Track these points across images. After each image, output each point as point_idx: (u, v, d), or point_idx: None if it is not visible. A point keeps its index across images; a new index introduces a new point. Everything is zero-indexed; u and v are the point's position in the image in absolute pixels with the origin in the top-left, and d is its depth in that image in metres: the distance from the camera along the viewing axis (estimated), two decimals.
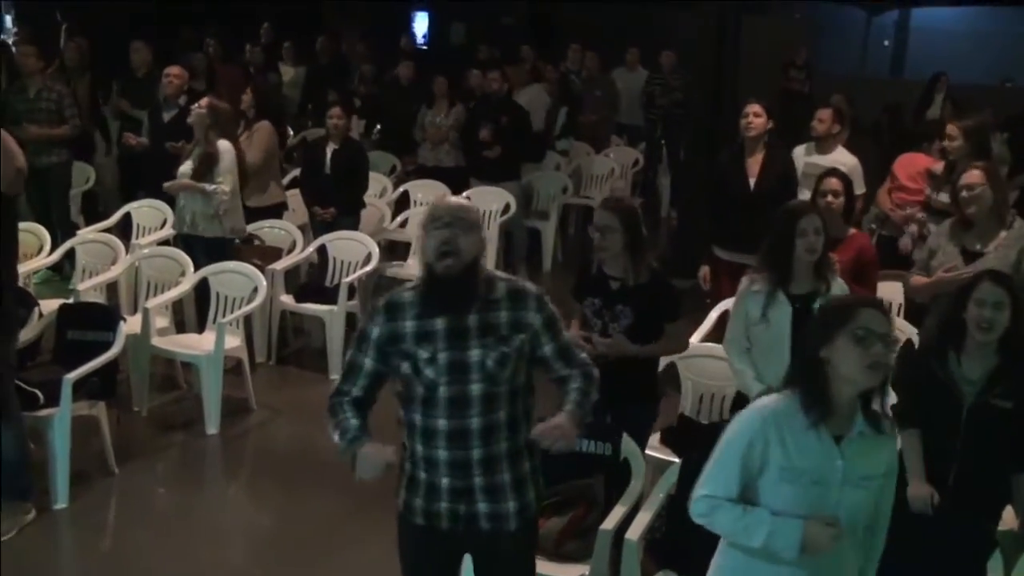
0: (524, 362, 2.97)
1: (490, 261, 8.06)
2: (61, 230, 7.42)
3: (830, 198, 4.93)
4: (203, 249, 6.35)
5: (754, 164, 5.85)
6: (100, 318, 5.19)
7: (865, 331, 2.57)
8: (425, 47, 17.87)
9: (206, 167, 6.27)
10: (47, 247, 6.71)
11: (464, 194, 8.48)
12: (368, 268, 6.84)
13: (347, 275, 6.83)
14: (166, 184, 6.41)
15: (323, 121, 7.73)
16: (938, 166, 6.13)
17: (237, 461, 5.71)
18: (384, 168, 9.21)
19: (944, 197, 5.62)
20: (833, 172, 5.13)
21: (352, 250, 6.97)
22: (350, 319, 6.72)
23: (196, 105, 6.41)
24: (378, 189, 8.39)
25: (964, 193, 4.60)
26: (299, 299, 6.77)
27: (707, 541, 2.86)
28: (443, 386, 2.91)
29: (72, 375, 4.76)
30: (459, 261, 2.86)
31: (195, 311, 6.55)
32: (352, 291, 6.72)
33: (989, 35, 17.21)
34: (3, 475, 4.49)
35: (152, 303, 5.92)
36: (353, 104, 10.05)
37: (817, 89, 12.52)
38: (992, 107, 10.17)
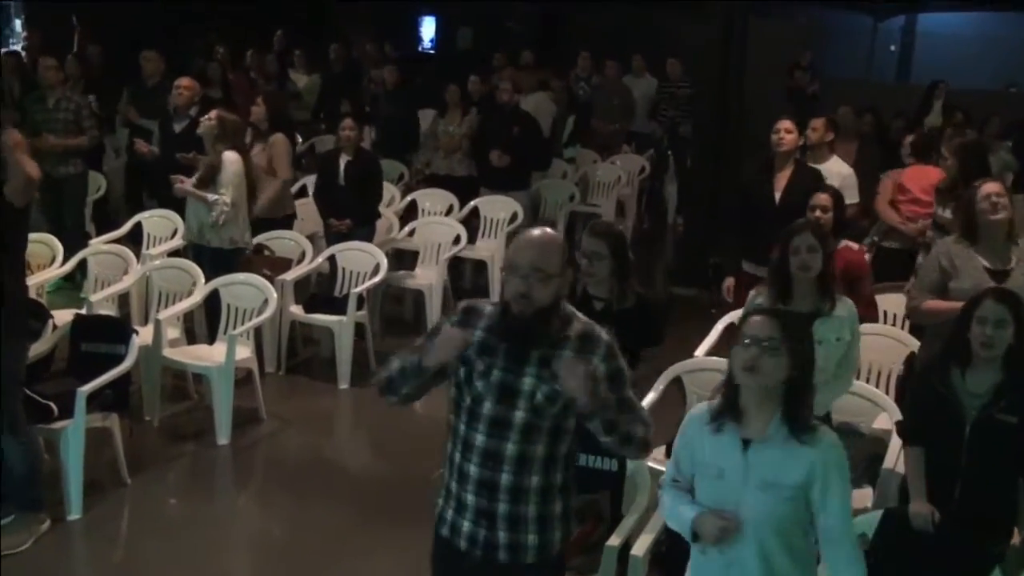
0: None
1: (495, 266, 8.14)
2: (75, 239, 7.47)
3: (819, 213, 5.00)
4: (208, 258, 6.42)
5: (782, 179, 5.88)
6: (113, 331, 5.24)
7: (748, 337, 2.83)
8: (432, 51, 17.97)
9: (209, 177, 6.33)
10: (59, 257, 6.77)
11: (472, 202, 8.59)
12: (377, 279, 6.91)
13: (356, 285, 6.89)
14: (177, 185, 6.44)
15: (335, 129, 7.80)
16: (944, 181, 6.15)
17: (247, 472, 5.77)
18: (392, 176, 9.24)
19: (948, 213, 5.65)
20: (825, 188, 5.24)
21: (361, 260, 7.03)
22: (359, 329, 6.80)
23: (205, 117, 6.47)
24: (386, 198, 8.45)
25: (994, 199, 4.46)
26: (308, 309, 6.82)
27: None
28: (488, 402, 2.91)
29: (86, 388, 4.82)
30: (531, 305, 2.86)
31: (205, 321, 6.62)
32: (361, 301, 6.79)
33: (995, 40, 17.20)
34: (15, 487, 4.56)
35: (164, 315, 5.98)
36: (365, 113, 10.12)
37: (824, 93, 12.60)
38: (997, 112, 10.22)
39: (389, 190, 8.67)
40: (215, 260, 6.40)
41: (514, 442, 2.89)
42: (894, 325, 5.91)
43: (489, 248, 8.38)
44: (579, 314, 2.99)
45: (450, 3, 16.98)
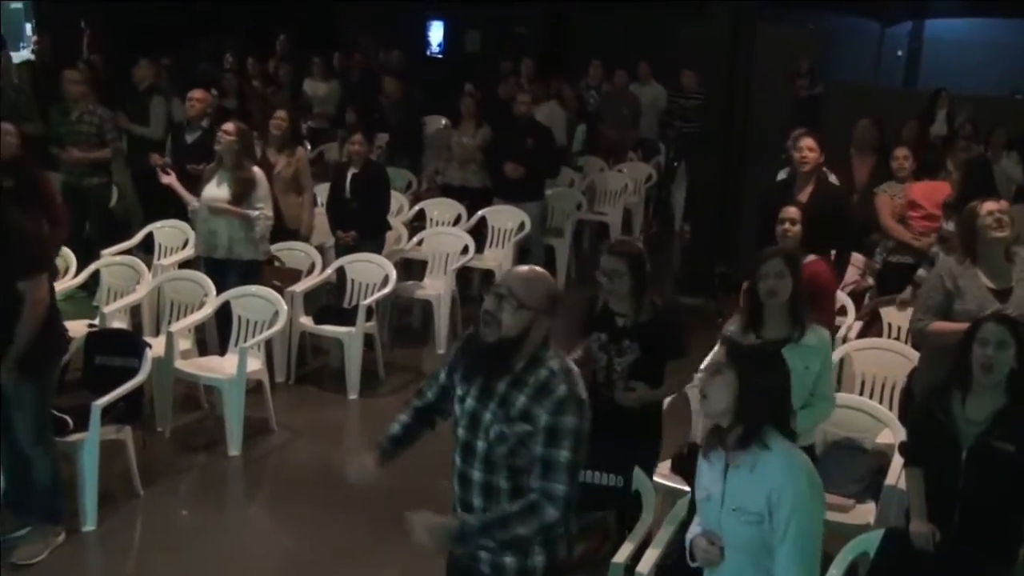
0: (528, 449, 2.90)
1: None
2: (99, 246, 7.52)
3: (787, 226, 5.02)
4: (239, 271, 6.49)
5: (803, 197, 5.88)
6: (127, 344, 5.32)
7: (712, 364, 3.02)
8: (440, 55, 18.03)
9: (244, 192, 6.41)
10: (72, 268, 6.84)
11: (480, 212, 8.64)
12: (386, 291, 6.97)
13: (365, 296, 6.96)
14: (211, 206, 6.44)
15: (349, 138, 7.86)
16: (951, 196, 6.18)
17: (258, 482, 5.85)
18: (400, 185, 9.27)
19: (952, 227, 5.68)
20: (794, 202, 5.30)
21: (370, 272, 7.09)
22: (368, 340, 6.86)
23: (222, 130, 6.50)
24: (395, 208, 8.49)
25: (997, 215, 4.47)
26: (318, 320, 6.88)
27: None
28: (461, 428, 3.02)
29: (100, 401, 4.89)
30: (494, 333, 2.89)
31: (216, 332, 6.69)
32: (370, 313, 6.85)
33: (1002, 47, 17.22)
34: (39, 498, 4.66)
35: (176, 327, 6.05)
36: (375, 120, 10.15)
37: (830, 98, 12.63)
38: (1002, 118, 10.20)
39: (398, 199, 8.71)
40: (247, 272, 6.50)
41: (478, 470, 2.97)
42: (897, 339, 5.96)
43: (497, 258, 8.43)
44: (556, 364, 2.93)
45: (458, 7, 17.04)
